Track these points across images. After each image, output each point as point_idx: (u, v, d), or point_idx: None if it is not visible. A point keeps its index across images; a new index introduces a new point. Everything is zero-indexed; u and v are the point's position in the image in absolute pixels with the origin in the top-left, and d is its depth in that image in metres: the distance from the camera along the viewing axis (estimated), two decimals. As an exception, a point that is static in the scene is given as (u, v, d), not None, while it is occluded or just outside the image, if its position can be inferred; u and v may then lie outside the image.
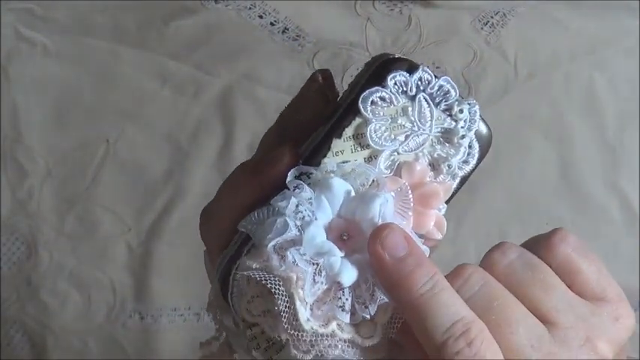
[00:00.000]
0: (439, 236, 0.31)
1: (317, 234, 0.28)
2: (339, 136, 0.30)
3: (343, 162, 0.30)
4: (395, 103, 0.30)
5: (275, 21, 0.56)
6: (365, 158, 0.30)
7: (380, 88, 0.30)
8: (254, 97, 0.56)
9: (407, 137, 0.30)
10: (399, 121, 0.30)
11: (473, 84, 0.55)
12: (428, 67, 0.30)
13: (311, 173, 0.29)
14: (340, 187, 0.29)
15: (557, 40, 0.56)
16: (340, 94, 0.32)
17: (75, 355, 0.56)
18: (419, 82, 0.30)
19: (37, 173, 0.57)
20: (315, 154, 0.30)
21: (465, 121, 0.31)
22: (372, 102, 0.29)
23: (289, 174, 0.29)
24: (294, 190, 0.29)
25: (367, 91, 0.29)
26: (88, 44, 0.57)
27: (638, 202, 0.54)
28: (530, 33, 0.56)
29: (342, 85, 0.55)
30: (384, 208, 0.29)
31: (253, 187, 0.30)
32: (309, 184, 0.29)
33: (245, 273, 0.28)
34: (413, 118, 0.30)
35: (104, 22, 0.57)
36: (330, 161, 0.29)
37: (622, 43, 0.56)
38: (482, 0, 0.56)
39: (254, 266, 0.28)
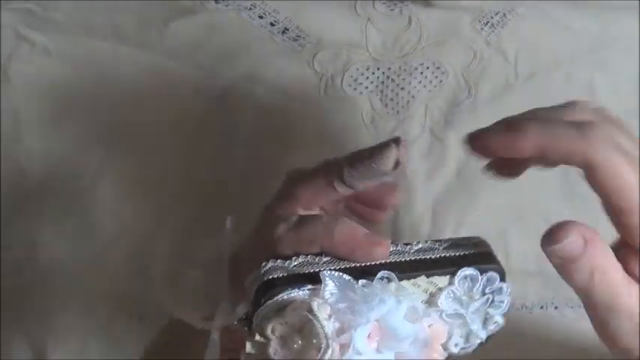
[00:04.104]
0: None
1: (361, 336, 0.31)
2: (410, 278, 0.33)
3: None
4: (473, 289, 0.35)
5: (275, 21, 0.56)
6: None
7: (476, 272, 0.34)
8: (254, 97, 0.56)
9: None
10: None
11: (473, 84, 0.55)
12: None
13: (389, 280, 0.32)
14: (399, 309, 0.32)
15: (558, 40, 0.56)
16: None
17: (75, 356, 0.56)
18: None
19: (37, 173, 0.57)
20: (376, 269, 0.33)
21: (491, 327, 0.36)
22: (464, 276, 0.34)
23: (379, 275, 0.32)
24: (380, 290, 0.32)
25: (466, 269, 0.34)
26: (88, 44, 0.57)
27: (638, 202, 0.54)
28: (530, 33, 0.56)
29: (342, 85, 0.55)
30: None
31: (332, 241, 0.32)
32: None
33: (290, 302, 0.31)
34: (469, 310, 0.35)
35: (104, 22, 0.57)
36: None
37: (622, 43, 0.56)
38: (482, 0, 0.56)
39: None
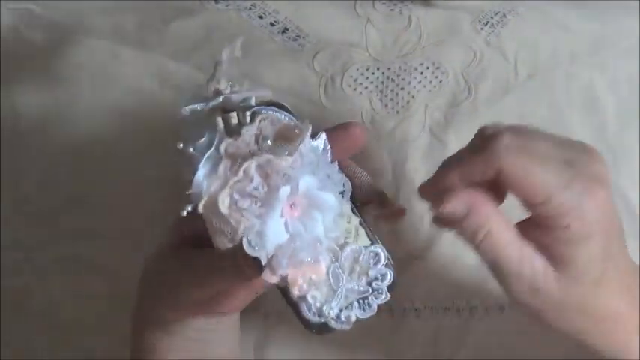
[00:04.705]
0: None
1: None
2: (353, 211, 0.38)
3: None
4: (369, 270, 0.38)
5: (275, 21, 0.56)
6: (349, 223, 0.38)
7: (386, 260, 0.38)
8: (254, 97, 0.56)
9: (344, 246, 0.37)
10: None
11: (473, 84, 0.55)
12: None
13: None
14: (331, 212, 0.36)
15: (558, 40, 0.56)
16: None
17: (75, 356, 0.56)
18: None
19: (37, 173, 0.57)
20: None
21: (342, 318, 0.37)
22: (375, 252, 0.38)
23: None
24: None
25: (382, 248, 0.38)
26: (88, 44, 0.57)
27: (638, 202, 0.54)
28: (530, 33, 0.56)
29: (342, 85, 0.55)
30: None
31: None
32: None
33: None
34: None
35: (104, 22, 0.57)
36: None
37: (622, 43, 0.56)
38: (482, 0, 0.56)
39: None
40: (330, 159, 0.36)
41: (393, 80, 0.55)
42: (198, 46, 0.56)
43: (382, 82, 0.55)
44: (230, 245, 0.34)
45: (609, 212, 0.39)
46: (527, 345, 0.54)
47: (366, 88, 0.55)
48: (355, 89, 0.55)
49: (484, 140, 0.38)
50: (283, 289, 0.36)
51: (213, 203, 0.34)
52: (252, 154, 0.34)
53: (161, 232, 0.56)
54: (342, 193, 0.36)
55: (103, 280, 0.56)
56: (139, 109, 0.57)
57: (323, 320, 0.37)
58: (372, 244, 0.38)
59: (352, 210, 0.38)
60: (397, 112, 0.55)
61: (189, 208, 0.34)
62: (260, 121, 0.35)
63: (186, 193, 0.34)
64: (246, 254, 0.34)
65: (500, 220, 0.39)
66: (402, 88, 0.55)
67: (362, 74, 0.55)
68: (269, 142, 0.34)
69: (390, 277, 0.38)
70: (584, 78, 0.56)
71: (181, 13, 0.57)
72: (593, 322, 0.41)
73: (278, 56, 0.56)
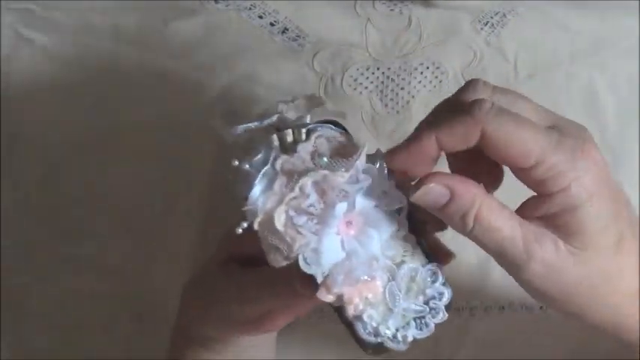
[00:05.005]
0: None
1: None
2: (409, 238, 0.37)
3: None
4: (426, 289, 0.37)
5: (275, 21, 0.56)
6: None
7: (444, 279, 0.37)
8: (254, 97, 0.56)
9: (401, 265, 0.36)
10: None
11: (473, 84, 0.55)
12: None
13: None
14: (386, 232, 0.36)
15: (558, 40, 0.56)
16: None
17: (75, 356, 0.56)
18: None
19: (37, 173, 0.57)
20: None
21: (398, 338, 0.36)
22: (432, 270, 0.37)
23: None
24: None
25: (438, 267, 0.37)
26: (88, 44, 0.57)
27: (638, 202, 0.54)
28: (530, 33, 0.56)
29: (342, 85, 0.55)
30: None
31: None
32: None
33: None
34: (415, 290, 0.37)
35: (104, 22, 0.57)
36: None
37: (622, 43, 0.56)
38: (482, 0, 0.56)
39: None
40: (386, 176, 0.35)
41: (393, 80, 0.55)
42: (198, 46, 0.56)
43: (382, 82, 0.55)
44: (285, 263, 0.34)
45: (606, 169, 0.36)
46: (527, 345, 0.54)
47: (366, 88, 0.55)
48: (355, 89, 0.55)
49: (466, 107, 0.35)
50: (338, 308, 0.35)
51: (269, 220, 0.33)
52: (308, 171, 0.33)
53: (162, 232, 0.56)
54: (398, 211, 0.36)
55: (103, 280, 0.56)
56: (139, 109, 0.57)
57: (379, 340, 0.35)
58: (429, 262, 0.37)
59: (409, 228, 0.37)
60: (397, 112, 0.55)
61: (245, 225, 0.33)
62: (316, 138, 0.34)
63: (242, 209, 0.33)
64: (300, 272, 0.33)
65: (490, 199, 0.35)
66: (402, 88, 0.55)
67: (362, 74, 0.55)
68: (325, 158, 0.33)
69: (447, 296, 0.36)
70: (584, 78, 0.56)
71: (181, 13, 0.57)
72: (623, 302, 0.36)
73: (278, 56, 0.56)
